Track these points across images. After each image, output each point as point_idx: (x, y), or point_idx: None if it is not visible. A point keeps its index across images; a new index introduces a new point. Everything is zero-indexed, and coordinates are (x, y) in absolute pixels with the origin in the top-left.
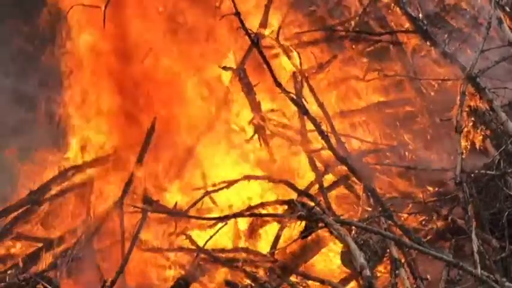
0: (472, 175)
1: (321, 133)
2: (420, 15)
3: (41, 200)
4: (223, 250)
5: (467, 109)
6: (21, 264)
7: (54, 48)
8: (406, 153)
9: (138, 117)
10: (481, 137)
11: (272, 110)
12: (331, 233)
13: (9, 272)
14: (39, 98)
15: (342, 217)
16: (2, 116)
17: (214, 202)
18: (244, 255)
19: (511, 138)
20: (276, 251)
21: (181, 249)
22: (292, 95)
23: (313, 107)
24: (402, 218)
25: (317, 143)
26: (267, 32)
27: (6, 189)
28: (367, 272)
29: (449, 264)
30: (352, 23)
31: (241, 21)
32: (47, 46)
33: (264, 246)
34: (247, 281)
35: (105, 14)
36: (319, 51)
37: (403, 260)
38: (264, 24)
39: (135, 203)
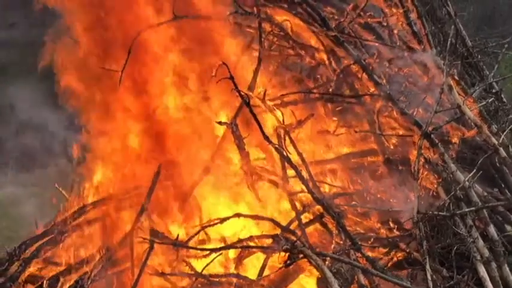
0: (427, 215)
1: (301, 178)
2: (384, 81)
3: (63, 231)
4: (217, 275)
5: (422, 160)
6: (45, 286)
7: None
8: (370, 196)
9: (146, 162)
10: (434, 184)
11: (259, 158)
12: (310, 263)
13: None
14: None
15: (318, 249)
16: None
17: (208, 236)
18: (235, 280)
19: (458, 185)
20: (263, 277)
21: (182, 273)
22: (276, 145)
23: (293, 156)
24: (368, 250)
25: (296, 186)
26: (255, 93)
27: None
28: None
29: None
30: (327, 86)
31: (235, 84)
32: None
33: (251, 272)
34: None
35: (121, 76)
36: (298, 110)
37: (369, 286)
38: (252, 87)
39: (144, 235)
